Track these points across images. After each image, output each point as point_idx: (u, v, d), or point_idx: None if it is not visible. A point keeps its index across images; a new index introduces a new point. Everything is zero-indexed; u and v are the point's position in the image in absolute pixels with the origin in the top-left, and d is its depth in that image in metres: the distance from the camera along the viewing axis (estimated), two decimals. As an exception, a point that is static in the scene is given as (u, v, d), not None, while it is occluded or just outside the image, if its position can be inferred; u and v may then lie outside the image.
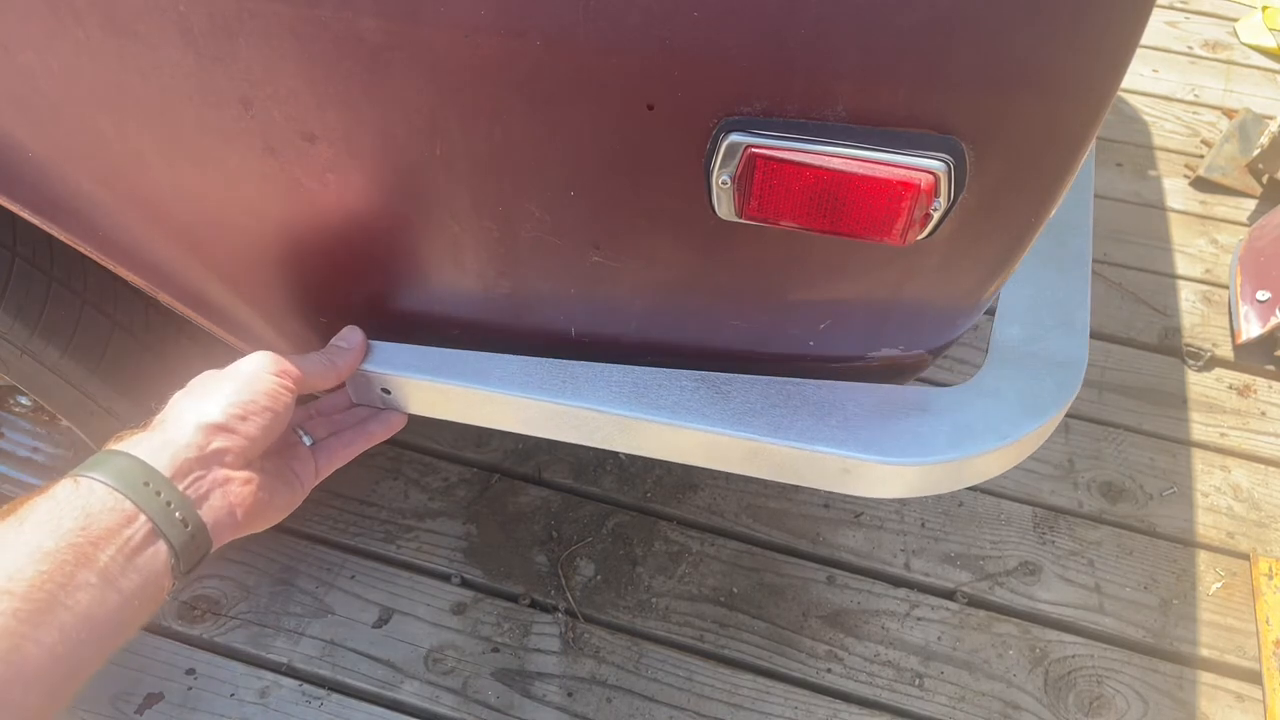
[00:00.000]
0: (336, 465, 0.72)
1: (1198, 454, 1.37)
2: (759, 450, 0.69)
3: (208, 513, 0.57)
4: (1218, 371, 1.48)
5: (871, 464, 0.67)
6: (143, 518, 0.53)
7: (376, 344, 0.74)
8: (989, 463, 0.69)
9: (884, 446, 0.67)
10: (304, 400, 0.74)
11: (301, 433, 0.71)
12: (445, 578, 1.21)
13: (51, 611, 0.48)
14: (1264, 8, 2.24)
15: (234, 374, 0.62)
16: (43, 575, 0.48)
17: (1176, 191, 1.80)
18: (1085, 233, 0.84)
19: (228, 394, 0.60)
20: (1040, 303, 0.76)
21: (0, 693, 0.45)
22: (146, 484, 0.54)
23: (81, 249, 0.71)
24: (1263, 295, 1.50)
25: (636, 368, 0.72)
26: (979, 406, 0.69)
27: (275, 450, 0.67)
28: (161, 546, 0.53)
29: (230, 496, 0.58)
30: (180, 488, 0.55)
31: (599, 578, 1.21)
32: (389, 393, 0.75)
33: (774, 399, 0.70)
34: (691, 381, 0.71)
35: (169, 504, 0.54)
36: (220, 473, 0.58)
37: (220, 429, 0.58)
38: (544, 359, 0.73)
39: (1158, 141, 1.91)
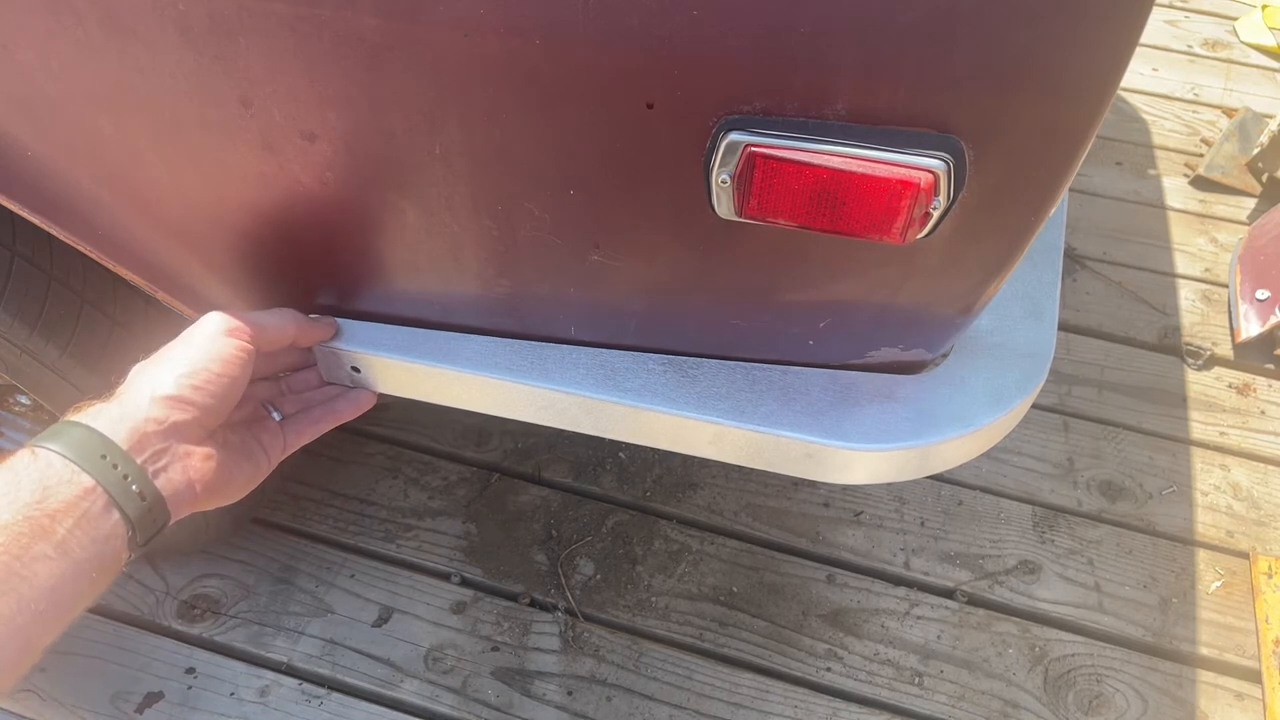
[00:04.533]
0: (305, 441, 0.72)
1: (1197, 453, 1.37)
2: (723, 434, 0.69)
3: (165, 485, 0.57)
4: (1217, 370, 1.48)
5: (834, 449, 0.68)
6: (100, 490, 0.53)
7: (346, 322, 0.74)
8: (952, 451, 0.70)
9: (847, 432, 0.68)
10: (274, 377, 0.75)
11: (271, 408, 0.71)
12: (445, 577, 1.21)
13: (8, 583, 0.48)
14: (1264, 6, 2.23)
15: (187, 342, 0.62)
16: (0, 548, 0.49)
17: (1176, 190, 1.80)
18: (1058, 225, 0.84)
19: (181, 365, 0.60)
20: (1010, 294, 0.76)
21: None
22: (103, 457, 0.54)
23: (81, 248, 0.71)
24: (1262, 294, 1.50)
25: (605, 350, 0.72)
26: (943, 395, 0.70)
27: (243, 423, 0.67)
28: (118, 519, 0.54)
29: (190, 471, 0.58)
30: (138, 460, 0.55)
31: (599, 577, 1.21)
32: (359, 371, 0.75)
33: (740, 383, 0.70)
34: (659, 365, 0.71)
35: (125, 477, 0.54)
36: (180, 447, 0.58)
37: (176, 400, 0.58)
38: (513, 340, 0.73)
39: (1157, 140, 1.91)
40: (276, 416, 0.71)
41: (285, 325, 0.68)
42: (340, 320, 0.75)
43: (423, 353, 0.73)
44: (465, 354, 0.73)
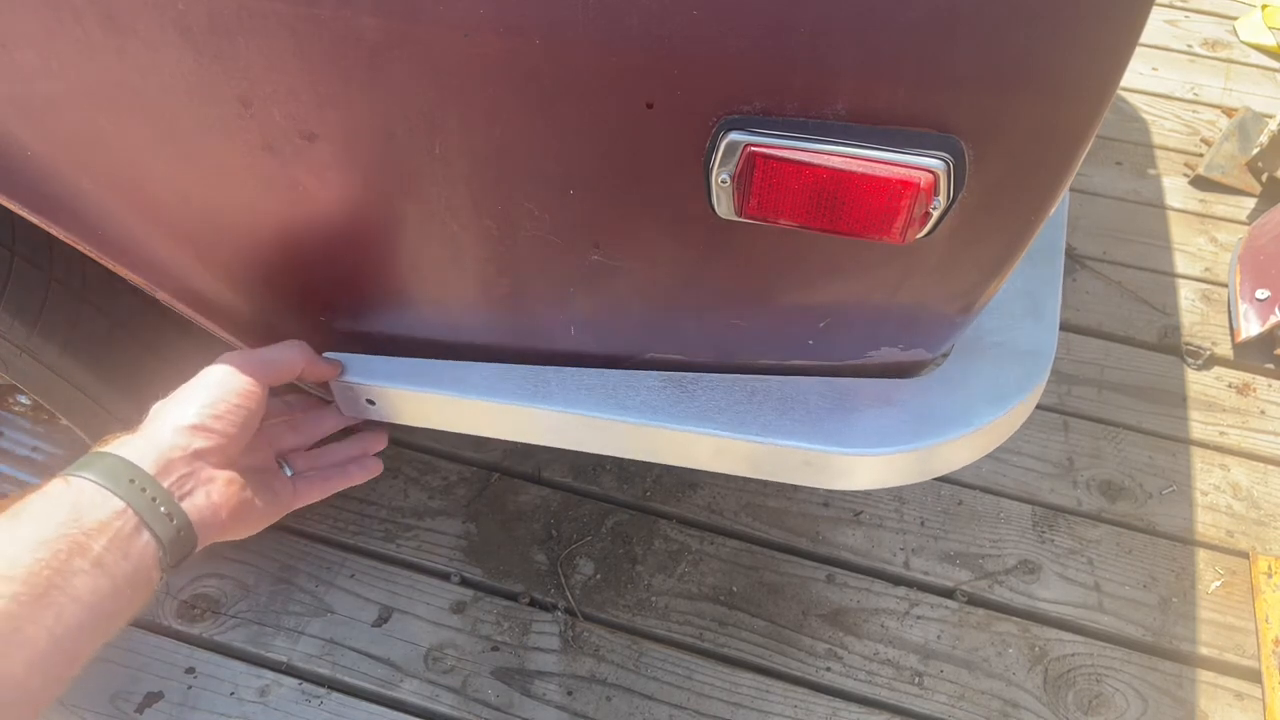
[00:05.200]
0: (314, 498, 0.74)
1: (1197, 452, 1.37)
2: (725, 446, 0.70)
3: (192, 510, 0.59)
4: (1217, 370, 1.48)
5: (834, 456, 0.68)
6: (130, 512, 0.55)
7: (358, 357, 0.76)
8: (954, 452, 0.70)
9: (846, 438, 0.68)
10: (285, 413, 0.77)
11: (283, 464, 0.74)
12: (445, 576, 1.21)
13: (49, 596, 0.50)
14: (1264, 6, 2.23)
15: (205, 379, 0.65)
16: (40, 562, 0.50)
17: (1176, 190, 1.80)
18: (1058, 225, 0.84)
19: (201, 397, 0.63)
20: (1011, 293, 0.76)
21: (3, 670, 0.47)
22: (132, 481, 0.56)
23: (81, 247, 0.71)
24: (1262, 294, 1.50)
25: (608, 371, 0.73)
26: (943, 396, 0.70)
27: (257, 468, 0.70)
28: (149, 539, 0.56)
29: (214, 495, 0.61)
30: (165, 485, 0.58)
31: (598, 576, 1.21)
32: (374, 403, 0.78)
33: (738, 395, 0.71)
34: (658, 381, 0.73)
35: (154, 499, 0.57)
36: (205, 472, 0.61)
37: (198, 429, 0.61)
38: (519, 365, 0.75)
39: (1157, 140, 1.91)
40: (288, 472, 0.73)
41: (295, 360, 0.71)
42: (353, 356, 0.76)
43: (433, 382, 0.75)
44: (473, 381, 0.74)
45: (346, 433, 0.82)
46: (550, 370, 0.74)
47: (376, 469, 0.80)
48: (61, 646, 0.50)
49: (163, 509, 0.57)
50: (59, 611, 0.50)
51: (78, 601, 0.51)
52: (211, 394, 0.64)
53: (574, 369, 0.74)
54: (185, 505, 0.59)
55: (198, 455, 0.61)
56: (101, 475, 0.56)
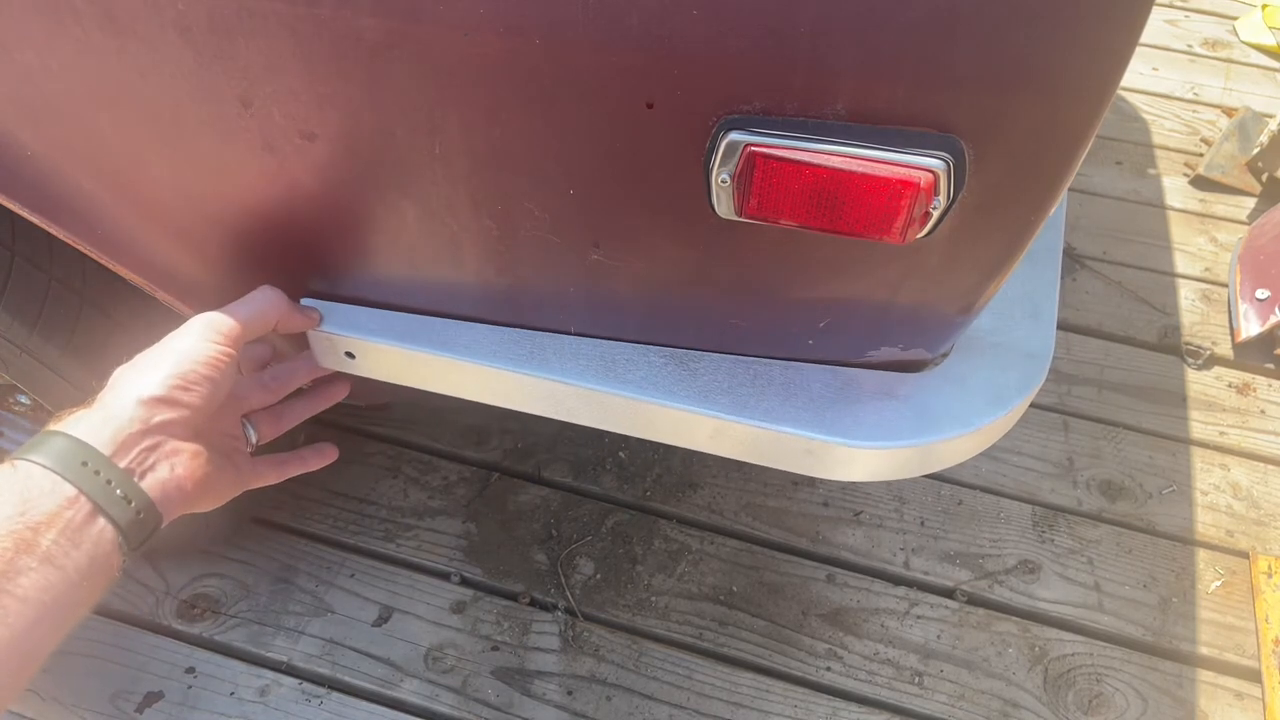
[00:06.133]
0: (271, 480, 0.71)
1: (1197, 452, 1.37)
2: (724, 428, 0.69)
3: (154, 487, 0.56)
4: (1217, 370, 1.49)
5: (835, 446, 0.68)
6: (83, 499, 0.52)
7: (343, 306, 0.74)
8: (951, 450, 0.70)
9: (848, 429, 0.68)
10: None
11: (248, 424, 0.71)
12: (445, 576, 1.21)
13: None
14: (1264, 6, 2.23)
15: (172, 346, 0.61)
16: None
17: (1176, 190, 1.80)
18: (1057, 225, 0.84)
19: (167, 367, 0.59)
20: (1010, 294, 0.76)
21: None
22: (85, 464, 0.53)
23: (81, 247, 0.71)
24: (1262, 293, 1.50)
25: (605, 341, 0.72)
26: (944, 394, 0.70)
27: (223, 435, 0.67)
28: (106, 526, 0.53)
29: (179, 469, 0.58)
30: (122, 464, 0.55)
31: (598, 576, 1.21)
32: (353, 356, 0.75)
33: (741, 378, 0.70)
34: (660, 358, 0.71)
35: (109, 482, 0.54)
36: (169, 444, 0.58)
37: (163, 401, 0.58)
38: (512, 329, 0.72)
39: (1157, 140, 1.91)
40: (252, 435, 0.70)
41: (269, 311, 0.67)
42: (336, 305, 0.74)
43: (420, 339, 0.72)
44: (463, 342, 0.72)
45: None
46: (545, 337, 0.72)
47: (332, 455, 0.77)
48: (14, 649, 0.48)
49: (119, 492, 0.54)
50: (4, 614, 0.48)
51: (26, 601, 0.49)
52: (180, 363, 0.59)
53: (570, 337, 0.72)
54: (147, 482, 0.56)
55: (160, 428, 0.57)
56: (51, 459, 0.52)
